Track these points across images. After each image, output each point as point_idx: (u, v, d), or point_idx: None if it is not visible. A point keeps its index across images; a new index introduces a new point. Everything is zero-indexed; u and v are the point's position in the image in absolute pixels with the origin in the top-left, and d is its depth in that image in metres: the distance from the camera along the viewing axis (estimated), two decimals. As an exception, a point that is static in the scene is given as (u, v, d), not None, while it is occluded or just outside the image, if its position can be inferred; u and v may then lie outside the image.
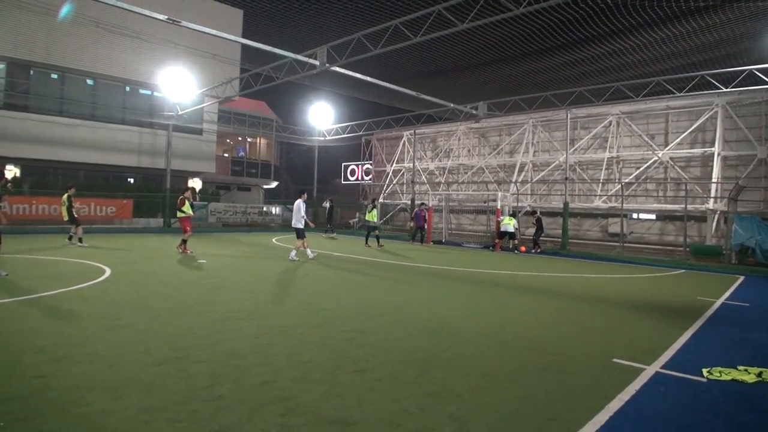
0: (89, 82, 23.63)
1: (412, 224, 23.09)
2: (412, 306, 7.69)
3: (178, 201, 14.25)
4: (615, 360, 5.17)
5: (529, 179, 25.70)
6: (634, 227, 22.38)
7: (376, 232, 18.94)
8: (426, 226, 22.19)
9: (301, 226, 13.55)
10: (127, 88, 24.69)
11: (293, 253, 13.42)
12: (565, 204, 20.71)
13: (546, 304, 8.48)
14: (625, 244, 19.57)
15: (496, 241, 20.09)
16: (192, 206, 14.57)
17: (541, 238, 20.36)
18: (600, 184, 23.30)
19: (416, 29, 13.78)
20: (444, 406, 3.77)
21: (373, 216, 18.81)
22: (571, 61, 20.68)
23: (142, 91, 25.17)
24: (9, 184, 15.18)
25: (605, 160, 23.03)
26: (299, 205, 13.65)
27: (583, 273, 13.30)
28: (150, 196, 24.48)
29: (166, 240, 18.00)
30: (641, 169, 22.01)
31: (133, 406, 3.52)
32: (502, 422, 3.56)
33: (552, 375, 4.62)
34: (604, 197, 22.87)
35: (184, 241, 13.98)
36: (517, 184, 25.15)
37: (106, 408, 3.48)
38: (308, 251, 13.76)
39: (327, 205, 25.74)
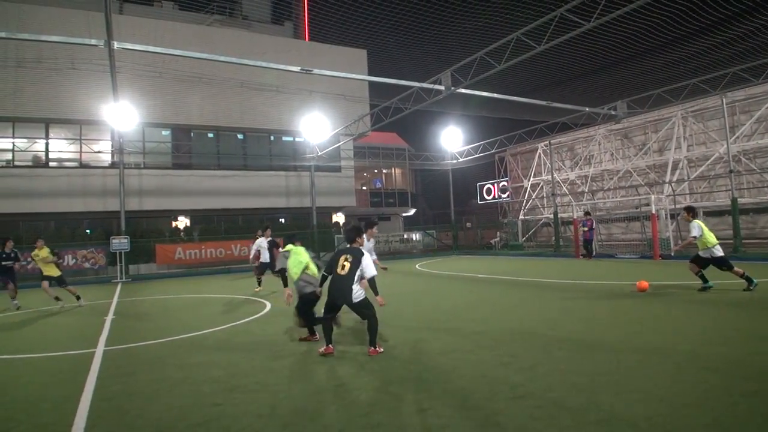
0: (239, 136, 26.37)
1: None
2: (565, 324, 7.22)
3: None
4: (825, 377, 4.34)
5: (686, 177, 23.23)
6: (826, 219, 19.13)
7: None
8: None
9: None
10: (272, 138, 27.17)
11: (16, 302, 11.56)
12: (734, 200, 18.33)
13: (722, 316, 7.45)
14: (817, 240, 16.75)
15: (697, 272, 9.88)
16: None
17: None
18: (775, 174, 20.33)
19: (539, 37, 13.35)
20: (617, 434, 3.42)
21: (298, 264, 6.86)
22: (718, 43, 18.53)
23: (285, 138, 27.48)
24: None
25: (778, 145, 20.10)
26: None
27: (764, 277, 11.53)
28: (300, 233, 26.29)
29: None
30: (828, 150, 18.83)
31: (300, 434, 3.68)
32: (689, 453, 3.12)
33: (741, 398, 3.98)
34: (783, 188, 19.87)
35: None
36: (672, 184, 22.89)
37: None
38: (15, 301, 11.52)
39: (260, 243, 13.93)
